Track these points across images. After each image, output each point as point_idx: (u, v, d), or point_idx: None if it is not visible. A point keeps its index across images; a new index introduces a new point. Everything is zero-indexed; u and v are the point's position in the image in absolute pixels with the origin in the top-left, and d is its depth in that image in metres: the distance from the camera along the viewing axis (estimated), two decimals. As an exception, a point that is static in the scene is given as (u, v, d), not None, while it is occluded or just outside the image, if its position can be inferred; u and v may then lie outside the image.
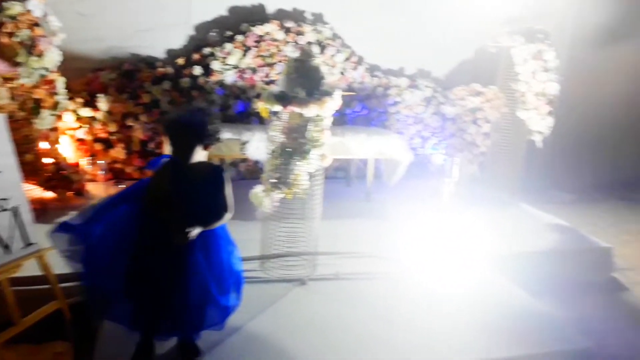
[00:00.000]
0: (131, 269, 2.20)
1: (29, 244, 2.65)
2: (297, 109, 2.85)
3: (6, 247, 2.53)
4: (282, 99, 2.84)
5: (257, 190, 3.26)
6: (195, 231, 2.17)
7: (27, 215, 2.67)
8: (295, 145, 3.06)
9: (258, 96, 3.01)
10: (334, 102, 2.93)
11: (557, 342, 2.53)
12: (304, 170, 3.11)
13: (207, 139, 2.27)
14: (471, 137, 4.79)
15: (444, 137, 5.19)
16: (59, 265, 2.91)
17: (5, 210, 2.56)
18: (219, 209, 2.29)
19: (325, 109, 2.89)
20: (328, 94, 2.91)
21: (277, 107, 2.88)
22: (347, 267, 3.22)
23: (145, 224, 2.20)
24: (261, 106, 2.98)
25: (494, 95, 4.81)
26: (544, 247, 3.73)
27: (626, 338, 3.11)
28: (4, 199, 2.56)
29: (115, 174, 4.69)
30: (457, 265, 3.32)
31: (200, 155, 2.27)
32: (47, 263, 2.74)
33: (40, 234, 2.71)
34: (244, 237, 3.46)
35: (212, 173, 2.30)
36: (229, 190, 2.33)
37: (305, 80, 2.89)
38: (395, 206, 4.39)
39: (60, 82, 3.76)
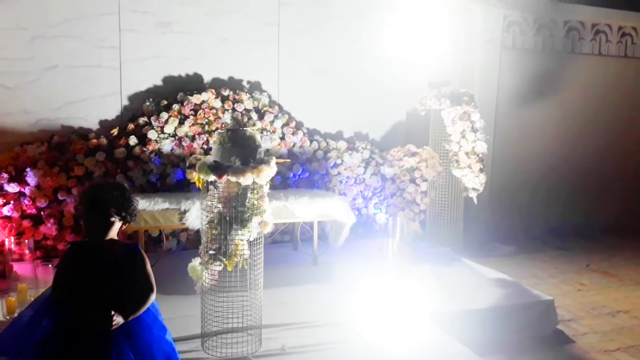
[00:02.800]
0: None
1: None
2: (233, 178, 2.81)
3: None
4: (217, 168, 2.79)
5: (195, 263, 3.14)
6: (118, 319, 2.03)
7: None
8: (234, 213, 3.00)
9: (192, 166, 2.93)
10: (270, 170, 2.91)
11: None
12: (244, 238, 3.04)
13: (125, 213, 2.23)
14: (411, 196, 4.89)
15: (384, 196, 5.27)
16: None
17: None
18: (142, 290, 2.18)
19: (262, 177, 2.87)
20: (264, 161, 2.90)
21: (212, 177, 2.83)
22: (294, 339, 3.09)
23: (59, 321, 2.05)
24: (195, 176, 2.92)
25: (429, 155, 4.99)
26: (488, 303, 3.75)
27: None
28: None
29: (46, 251, 4.41)
30: (403, 327, 3.27)
31: (114, 232, 2.22)
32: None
33: None
34: (182, 313, 3.31)
35: (130, 252, 2.23)
36: (149, 268, 2.24)
37: (240, 149, 2.87)
38: (341, 268, 4.35)
39: (-18, 158, 3.55)
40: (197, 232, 4.67)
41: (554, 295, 4.03)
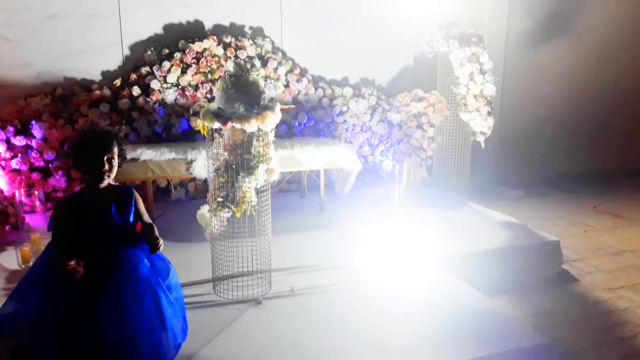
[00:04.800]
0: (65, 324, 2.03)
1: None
2: (237, 125, 2.78)
3: None
4: (220, 115, 2.76)
5: (204, 210, 3.17)
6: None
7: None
8: (240, 161, 2.99)
9: (196, 114, 2.91)
10: (275, 116, 2.88)
11: (514, 340, 2.53)
12: (251, 186, 3.05)
13: (124, 153, 2.28)
14: (417, 142, 4.85)
15: (391, 143, 5.24)
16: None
17: None
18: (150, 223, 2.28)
19: (267, 123, 2.84)
20: (268, 107, 2.86)
21: (216, 125, 2.80)
22: (302, 282, 3.16)
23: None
24: (200, 124, 2.90)
25: (436, 99, 4.91)
26: (496, 245, 3.78)
27: (580, 330, 3.18)
28: None
29: (56, 203, 4.46)
30: (411, 269, 3.32)
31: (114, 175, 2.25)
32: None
33: None
34: (194, 260, 3.38)
35: (127, 191, 2.30)
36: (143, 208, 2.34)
37: (243, 96, 2.83)
38: (348, 215, 4.38)
39: (-14, 112, 3.54)
40: (205, 181, 4.71)
41: (561, 237, 4.05)
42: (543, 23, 6.20)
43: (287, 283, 3.14)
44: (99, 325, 1.99)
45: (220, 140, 2.99)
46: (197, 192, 4.91)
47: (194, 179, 4.67)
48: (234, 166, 3.01)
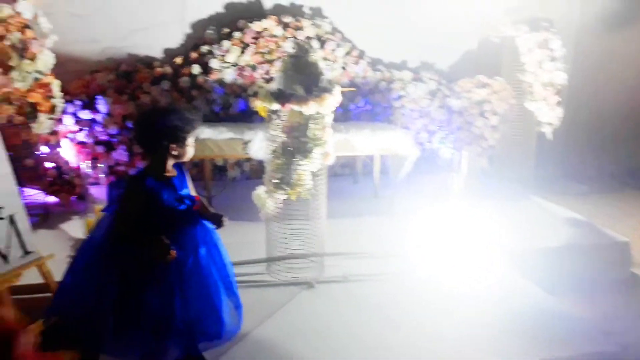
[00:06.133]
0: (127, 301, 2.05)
1: (28, 252, 2.57)
2: (296, 107, 2.74)
3: (4, 257, 2.45)
4: (280, 96, 2.73)
5: (260, 191, 3.17)
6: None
7: (24, 223, 2.59)
8: (296, 144, 2.96)
9: (255, 94, 2.88)
10: (334, 99, 2.82)
11: (583, 344, 2.40)
12: (306, 169, 3.02)
13: (172, 137, 2.09)
14: (479, 130, 4.65)
15: (451, 130, 5.05)
16: (60, 272, 2.86)
17: (1, 218, 2.47)
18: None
19: (325, 106, 2.79)
20: (327, 90, 2.80)
21: (275, 106, 2.77)
22: (355, 268, 3.12)
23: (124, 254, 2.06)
24: (259, 105, 2.88)
25: (501, 86, 4.67)
26: (560, 242, 3.59)
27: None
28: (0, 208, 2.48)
29: (118, 176, 4.61)
30: (471, 264, 3.20)
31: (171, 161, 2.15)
32: (48, 271, 2.67)
33: (42, 240, 2.65)
34: (248, 239, 3.40)
35: (181, 171, 2.22)
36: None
37: (303, 77, 2.78)
38: (403, 202, 4.28)
39: (56, 85, 3.67)
40: (261, 162, 4.74)
41: (631, 238, 3.79)
42: (619, 5, 5.74)
43: (339, 268, 3.10)
44: (183, 300, 2.02)
45: (278, 122, 2.98)
46: (253, 171, 4.94)
47: (249, 159, 4.70)
48: (290, 148, 2.99)
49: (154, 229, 2.03)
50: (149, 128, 2.08)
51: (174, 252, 1.98)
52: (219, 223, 2.15)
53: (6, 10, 3.29)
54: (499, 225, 3.80)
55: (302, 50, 2.83)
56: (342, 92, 2.91)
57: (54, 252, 3.02)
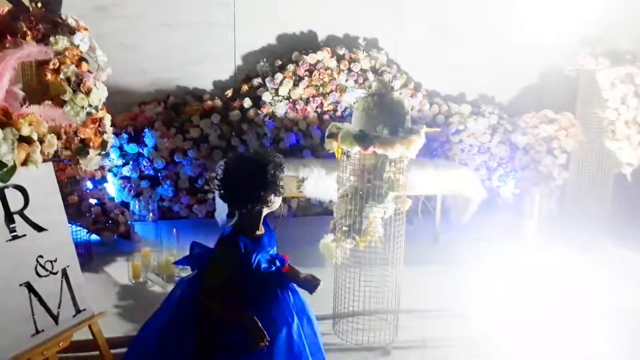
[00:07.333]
0: None
1: (80, 311, 2.31)
2: (380, 150, 2.48)
3: (54, 318, 2.19)
4: (363, 139, 2.47)
5: (327, 240, 2.89)
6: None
7: (77, 277, 2.33)
8: (369, 188, 2.70)
9: (331, 135, 2.63)
10: (420, 140, 2.55)
11: None
12: (378, 216, 2.74)
13: (273, 188, 1.83)
14: (547, 169, 4.33)
15: (511, 168, 4.74)
16: (110, 328, 2.60)
17: (53, 273, 2.23)
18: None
19: (412, 149, 2.51)
20: (414, 131, 2.53)
21: (357, 148, 2.51)
22: (431, 329, 2.78)
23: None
24: (336, 147, 2.62)
25: (569, 122, 4.36)
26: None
27: None
28: (52, 261, 2.24)
29: (162, 213, 4.40)
30: (556, 326, 2.85)
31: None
32: (98, 330, 2.41)
33: (86, 287, 2.39)
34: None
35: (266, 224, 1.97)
36: None
37: (387, 117, 2.52)
38: (468, 249, 3.93)
39: (108, 120, 3.49)
40: (308, 199, 4.49)
41: None
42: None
43: (411, 328, 2.77)
44: None
45: (348, 163, 2.72)
46: (300, 209, 4.69)
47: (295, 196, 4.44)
48: (361, 192, 2.73)
49: (242, 296, 1.76)
50: (247, 181, 1.80)
51: (267, 339, 1.69)
52: (312, 289, 1.87)
53: (63, 42, 3.13)
54: (574, 279, 3.43)
55: (385, 87, 2.58)
56: (428, 132, 2.64)
57: (99, 300, 2.78)
